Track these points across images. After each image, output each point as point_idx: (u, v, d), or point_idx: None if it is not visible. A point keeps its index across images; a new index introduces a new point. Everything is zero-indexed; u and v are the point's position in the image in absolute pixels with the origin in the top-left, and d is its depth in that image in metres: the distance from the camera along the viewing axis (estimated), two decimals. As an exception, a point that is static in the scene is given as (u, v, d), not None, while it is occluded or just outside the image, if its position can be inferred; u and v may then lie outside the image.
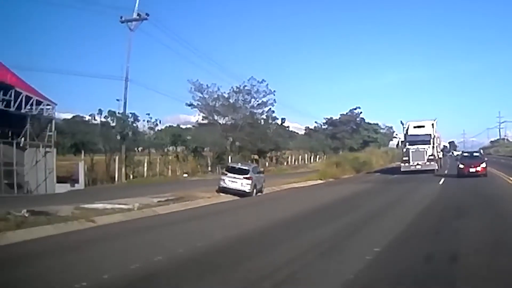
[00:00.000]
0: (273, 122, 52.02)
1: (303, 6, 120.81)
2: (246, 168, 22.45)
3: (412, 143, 37.48)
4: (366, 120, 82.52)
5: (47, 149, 32.07)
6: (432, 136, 37.99)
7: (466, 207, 14.41)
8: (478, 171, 28.79)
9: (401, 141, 41.90)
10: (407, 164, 37.13)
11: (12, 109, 30.04)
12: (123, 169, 32.18)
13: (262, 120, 50.49)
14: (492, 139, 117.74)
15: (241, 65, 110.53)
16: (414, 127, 38.62)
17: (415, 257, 7.57)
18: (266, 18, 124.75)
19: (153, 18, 35.51)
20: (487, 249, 8.01)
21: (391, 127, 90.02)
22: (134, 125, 33.31)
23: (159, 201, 18.26)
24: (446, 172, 35.22)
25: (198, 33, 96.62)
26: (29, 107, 31.31)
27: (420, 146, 36.92)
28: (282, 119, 53.57)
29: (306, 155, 66.42)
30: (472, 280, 6.12)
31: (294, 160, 61.80)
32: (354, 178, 37.71)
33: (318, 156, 69.31)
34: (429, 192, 20.43)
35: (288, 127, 61.24)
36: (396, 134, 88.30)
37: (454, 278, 6.20)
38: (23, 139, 30.82)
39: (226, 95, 46.83)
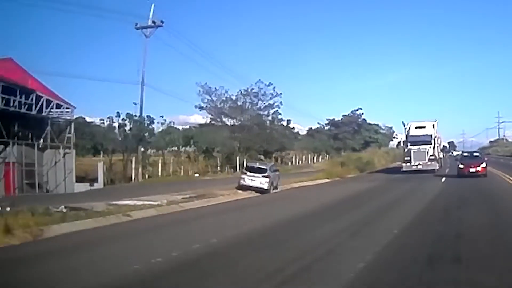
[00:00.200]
0: (279, 124, 53.58)
1: (303, 7, 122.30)
2: (264, 167, 24.26)
3: (414, 143, 38.07)
4: (368, 121, 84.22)
5: (67, 150, 33.69)
6: (433, 137, 38.51)
7: (466, 200, 16.24)
8: (478, 171, 28.75)
9: (403, 142, 42.38)
10: (408, 164, 37.79)
11: (34, 112, 31.70)
12: (140, 169, 33.75)
13: (268, 122, 52.12)
14: (491, 139, 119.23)
15: (242, 65, 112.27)
16: (416, 127, 39.16)
17: (428, 234, 9.59)
18: (267, 19, 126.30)
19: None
20: (484, 229, 10.13)
21: (391, 128, 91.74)
22: (150, 127, 34.86)
23: (183, 198, 19.42)
24: (447, 171, 36.35)
25: (199, 33, 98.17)
26: (50, 110, 32.96)
27: (421, 147, 37.63)
28: (287, 120, 55.30)
29: (309, 156, 67.98)
30: (472, 249, 8.17)
31: (298, 160, 63.24)
32: (359, 177, 39.11)
33: (321, 157, 70.88)
34: (432, 189, 22.10)
35: (293, 128, 62.96)
36: (396, 135, 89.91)
37: (459, 248, 8.25)
38: (42, 140, 32.41)
39: (234, 98, 48.61)
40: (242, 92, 48.40)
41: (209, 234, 10.53)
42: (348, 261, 7.43)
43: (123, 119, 32.94)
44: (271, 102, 49.79)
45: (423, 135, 38.48)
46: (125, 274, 7.15)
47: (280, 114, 52.01)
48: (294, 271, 6.92)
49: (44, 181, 32.63)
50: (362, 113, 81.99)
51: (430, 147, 37.93)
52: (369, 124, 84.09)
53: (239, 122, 49.73)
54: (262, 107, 49.90)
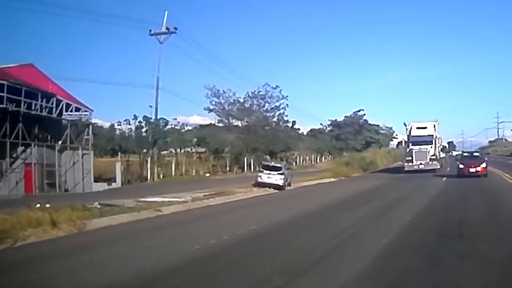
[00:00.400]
0: (285, 125, 55.19)
1: (303, 7, 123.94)
2: (279, 165, 26.33)
3: (415, 143, 39.00)
4: (369, 122, 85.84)
5: (85, 152, 35.22)
6: (434, 137, 39.55)
7: (467, 195, 18.08)
8: (478, 171, 28.72)
9: (404, 142, 43.49)
10: (410, 164, 38.64)
11: (54, 115, 33.28)
12: (155, 169, 35.35)
13: (274, 123, 53.74)
14: (491, 139, 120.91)
15: (242, 64, 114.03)
16: (417, 128, 40.05)
17: (437, 220, 11.59)
18: (267, 19, 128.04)
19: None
20: (482, 216, 12.20)
21: (391, 128, 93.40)
22: (165, 129, 36.45)
23: (204, 195, 20.59)
24: (448, 170, 37.74)
25: (199, 33, 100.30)
26: (69, 113, 34.51)
27: (422, 147, 38.58)
28: (292, 121, 56.97)
29: (312, 156, 69.58)
30: (472, 230, 10.16)
31: (302, 161, 64.84)
32: (363, 176, 40.68)
33: (323, 157, 72.52)
34: (436, 186, 23.83)
35: (298, 129, 64.67)
36: (396, 135, 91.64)
37: (462, 229, 10.14)
38: (60, 142, 33.94)
39: (241, 100, 50.31)
40: (250, 94, 50.20)
41: (247, 223, 11.98)
42: (374, 238, 9.24)
43: (139, 122, 34.67)
44: (277, 104, 51.62)
45: (424, 135, 39.26)
46: (191, 251, 8.50)
47: (286, 116, 53.75)
48: (332, 247, 8.69)
49: (62, 181, 34.18)
50: (364, 114, 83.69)
51: (431, 147, 38.87)
52: (370, 124, 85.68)
53: (246, 123, 51.38)
54: (268, 109, 51.69)
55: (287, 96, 51.32)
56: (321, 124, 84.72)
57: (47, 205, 13.82)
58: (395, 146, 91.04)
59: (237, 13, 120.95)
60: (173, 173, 37.64)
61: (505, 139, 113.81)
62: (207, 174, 40.26)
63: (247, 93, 50.58)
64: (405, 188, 23.54)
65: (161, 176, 36.55)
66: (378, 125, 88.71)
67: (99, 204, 15.55)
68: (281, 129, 53.57)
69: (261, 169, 26.19)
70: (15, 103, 30.01)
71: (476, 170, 28.83)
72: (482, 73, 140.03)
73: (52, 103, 33.11)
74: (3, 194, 28.64)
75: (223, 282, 6.46)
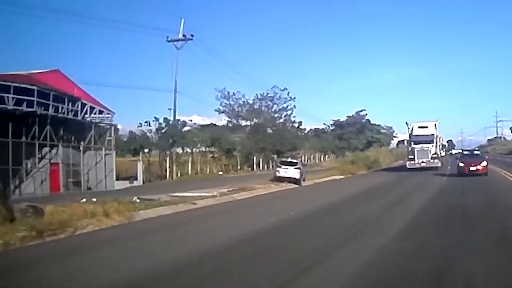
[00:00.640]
0: (292, 126, 57.40)
1: (304, 8, 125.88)
2: (295, 161, 29.50)
3: (417, 142, 40.33)
4: (371, 121, 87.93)
5: (107, 152, 37.42)
6: (435, 136, 41.09)
7: (467, 189, 20.48)
8: (478, 169, 28.81)
9: (407, 141, 45.12)
10: (412, 162, 40.10)
11: (79, 117, 35.49)
12: (174, 168, 37.55)
13: (281, 124, 55.97)
14: (489, 138, 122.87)
15: (242, 64, 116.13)
16: (418, 127, 41.41)
17: (444, 206, 14.22)
18: (267, 20, 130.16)
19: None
20: (481, 203, 14.72)
21: (391, 127, 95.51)
22: (183, 130, 38.70)
23: (228, 191, 21.60)
24: (449, 168, 39.29)
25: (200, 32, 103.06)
26: (93, 116, 36.73)
27: (424, 145, 39.92)
28: (299, 122, 59.19)
29: (316, 155, 71.74)
30: (473, 211, 12.58)
31: (307, 160, 66.94)
32: (368, 174, 42.59)
33: (327, 156, 74.70)
34: (439, 182, 25.92)
35: (304, 129, 66.94)
36: (396, 134, 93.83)
37: (466, 211, 12.71)
38: (85, 142, 36.13)
39: (251, 102, 52.63)
40: (259, 96, 52.56)
41: (284, 211, 13.89)
42: (395, 219, 11.64)
43: (159, 123, 36.93)
44: (284, 105, 53.96)
45: (426, 134, 40.67)
46: (257, 228, 10.71)
47: (294, 116, 56.09)
48: (364, 225, 11.14)
49: (85, 179, 36.34)
50: (366, 114, 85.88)
51: (432, 146, 40.35)
52: (372, 124, 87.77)
53: (254, 123, 53.63)
54: (276, 110, 54.03)
55: (294, 97, 53.77)
56: (324, 124, 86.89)
57: (93, 199, 14.75)
58: (395, 145, 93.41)
59: (235, 13, 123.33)
60: (189, 172, 39.78)
61: (504, 138, 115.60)
62: (220, 173, 42.32)
63: (256, 95, 53.06)
64: (411, 183, 25.75)
65: (179, 174, 38.69)
66: (379, 125, 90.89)
67: (138, 198, 16.37)
68: (287, 130, 55.83)
69: (279, 165, 28.81)
70: (43, 106, 32.24)
71: (476, 169, 28.93)
72: (481, 72, 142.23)
73: (77, 106, 35.41)
74: (29, 192, 30.74)
75: (290, 247, 8.62)
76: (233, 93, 51.49)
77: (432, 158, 40.12)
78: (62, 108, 33.78)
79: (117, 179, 37.69)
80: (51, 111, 32.69)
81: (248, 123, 53.17)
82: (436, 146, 41.62)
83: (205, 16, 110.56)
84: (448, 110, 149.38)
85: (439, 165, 40.01)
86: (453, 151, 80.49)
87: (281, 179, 27.00)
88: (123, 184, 35.49)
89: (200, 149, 43.98)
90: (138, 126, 38.77)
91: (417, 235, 9.34)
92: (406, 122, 43.89)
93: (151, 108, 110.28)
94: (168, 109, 40.35)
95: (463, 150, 50.32)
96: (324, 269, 6.79)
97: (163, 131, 37.62)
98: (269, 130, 53.47)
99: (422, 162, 39.89)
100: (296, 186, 26.88)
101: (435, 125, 42.42)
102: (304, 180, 28.92)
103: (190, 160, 40.74)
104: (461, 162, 30.67)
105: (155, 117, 38.70)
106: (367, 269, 6.60)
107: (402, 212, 13.00)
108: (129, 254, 8.47)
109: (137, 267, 7.17)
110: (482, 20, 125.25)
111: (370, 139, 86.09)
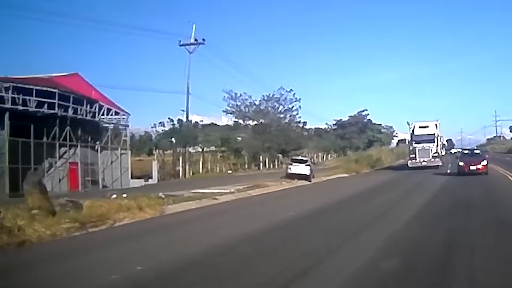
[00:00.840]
0: (296, 126, 59.09)
1: (304, 8, 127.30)
2: (305, 159, 31.37)
3: (418, 142, 41.31)
4: (372, 121, 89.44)
5: (123, 151, 39.03)
6: (436, 135, 42.17)
7: (468, 185, 22.13)
8: (478, 169, 28.90)
9: (408, 140, 46.62)
10: (414, 161, 41.05)
11: (96, 119, 37.13)
12: (187, 167, 39.17)
13: (286, 124, 57.64)
14: (489, 137, 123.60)
15: (243, 64, 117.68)
16: (420, 127, 42.49)
17: (447, 199, 15.97)
18: (268, 20, 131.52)
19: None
20: (481, 196, 16.52)
21: (391, 127, 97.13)
22: (195, 130, 40.38)
23: (243, 188, 22.66)
24: (450, 165, 39.74)
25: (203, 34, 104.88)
26: (109, 117, 38.35)
27: (425, 145, 40.83)
28: (303, 122, 60.86)
29: (320, 154, 73.35)
30: (474, 204, 14.28)
31: (311, 159, 68.22)
32: (372, 172, 43.87)
33: (330, 155, 76.34)
34: (440, 179, 27.35)
35: (309, 129, 68.56)
36: (396, 133, 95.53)
37: (467, 203, 14.42)
38: (99, 142, 37.74)
39: (257, 103, 54.35)
40: (265, 98, 54.31)
41: (299, 205, 14.95)
42: (403, 212, 13.23)
43: (173, 124, 38.54)
44: (290, 106, 55.70)
45: (427, 134, 41.70)
46: (284, 218, 12.33)
47: (300, 117, 57.82)
48: (378, 214, 12.85)
49: (101, 178, 37.95)
50: (368, 114, 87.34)
51: (433, 145, 41.41)
52: (373, 124, 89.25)
53: (258, 123, 55.31)
54: (282, 110, 55.77)
55: (300, 98, 55.51)
56: (326, 123, 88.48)
57: (124, 195, 15.85)
58: (395, 144, 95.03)
59: (235, 13, 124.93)
60: (200, 171, 41.41)
61: (503, 137, 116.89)
62: (229, 171, 44.00)
63: (263, 96, 54.83)
64: (414, 180, 27.41)
65: (191, 173, 40.29)
66: (380, 124, 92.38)
67: (163, 194, 17.27)
68: (292, 129, 57.49)
69: (290, 162, 30.70)
70: (63, 108, 33.86)
71: (476, 168, 29.04)
72: (481, 71, 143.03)
73: (95, 108, 37.01)
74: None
75: (317, 231, 10.32)
76: (240, 94, 53.32)
77: (433, 157, 41.09)
78: (80, 109, 35.37)
79: (131, 178, 39.25)
80: (70, 113, 34.25)
81: (254, 123, 54.83)
82: (437, 145, 42.81)
83: (205, 16, 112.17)
84: (448, 109, 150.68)
85: (440, 164, 40.94)
86: (453, 150, 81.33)
87: (292, 176, 28.71)
88: (139, 183, 36.97)
89: (210, 149, 45.58)
90: (152, 127, 40.41)
91: (428, 218, 11.48)
92: (408, 122, 45.15)
93: (157, 109, 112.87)
94: (181, 110, 41.97)
95: (463, 149, 51.16)
96: (368, 234, 9.65)
97: (177, 131, 39.15)
98: (274, 130, 55.06)
99: (423, 161, 40.82)
100: (307, 183, 28.51)
101: (436, 125, 43.64)
102: (313, 177, 30.60)
103: (201, 159, 42.33)
104: (462, 161, 30.83)
105: (169, 118, 40.44)
106: (393, 239, 8.89)
107: (410, 205, 14.66)
108: (172, 241, 9.47)
109: (179, 252, 8.19)
110: (482, 20, 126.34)
111: (371, 139, 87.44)
